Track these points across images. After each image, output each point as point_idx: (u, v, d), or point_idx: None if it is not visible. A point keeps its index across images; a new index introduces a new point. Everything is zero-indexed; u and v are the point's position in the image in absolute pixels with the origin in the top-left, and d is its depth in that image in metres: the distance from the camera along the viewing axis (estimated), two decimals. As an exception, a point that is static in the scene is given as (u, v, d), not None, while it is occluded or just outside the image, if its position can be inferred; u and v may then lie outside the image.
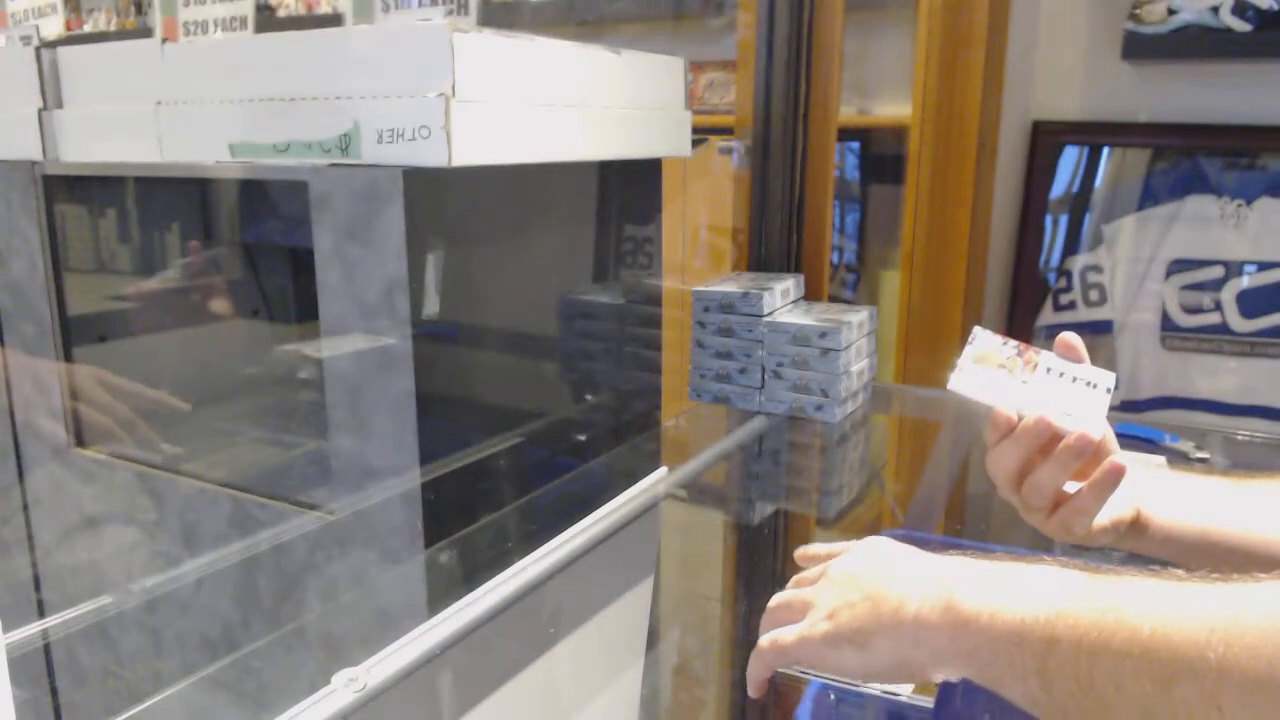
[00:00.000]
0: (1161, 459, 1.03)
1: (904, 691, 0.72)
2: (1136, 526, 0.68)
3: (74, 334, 1.19)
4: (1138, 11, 1.44)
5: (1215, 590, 0.43)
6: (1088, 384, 0.67)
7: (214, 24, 1.43)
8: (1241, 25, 1.36)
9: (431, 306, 0.89)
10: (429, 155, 0.83)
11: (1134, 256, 1.55)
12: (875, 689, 0.73)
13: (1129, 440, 0.81)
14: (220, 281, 1.30)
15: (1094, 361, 0.69)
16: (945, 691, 0.72)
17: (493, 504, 1.01)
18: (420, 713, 0.74)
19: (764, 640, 0.60)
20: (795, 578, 0.64)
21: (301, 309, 1.31)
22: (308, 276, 0.94)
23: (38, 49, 1.08)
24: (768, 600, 0.62)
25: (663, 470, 1.08)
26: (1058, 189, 1.61)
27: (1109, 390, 0.67)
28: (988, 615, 0.49)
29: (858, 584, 0.56)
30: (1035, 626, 0.47)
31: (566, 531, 0.90)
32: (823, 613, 0.57)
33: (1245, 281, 1.47)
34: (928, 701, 0.72)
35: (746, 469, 1.28)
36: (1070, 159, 1.59)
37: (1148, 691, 0.42)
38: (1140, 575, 0.46)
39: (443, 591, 0.83)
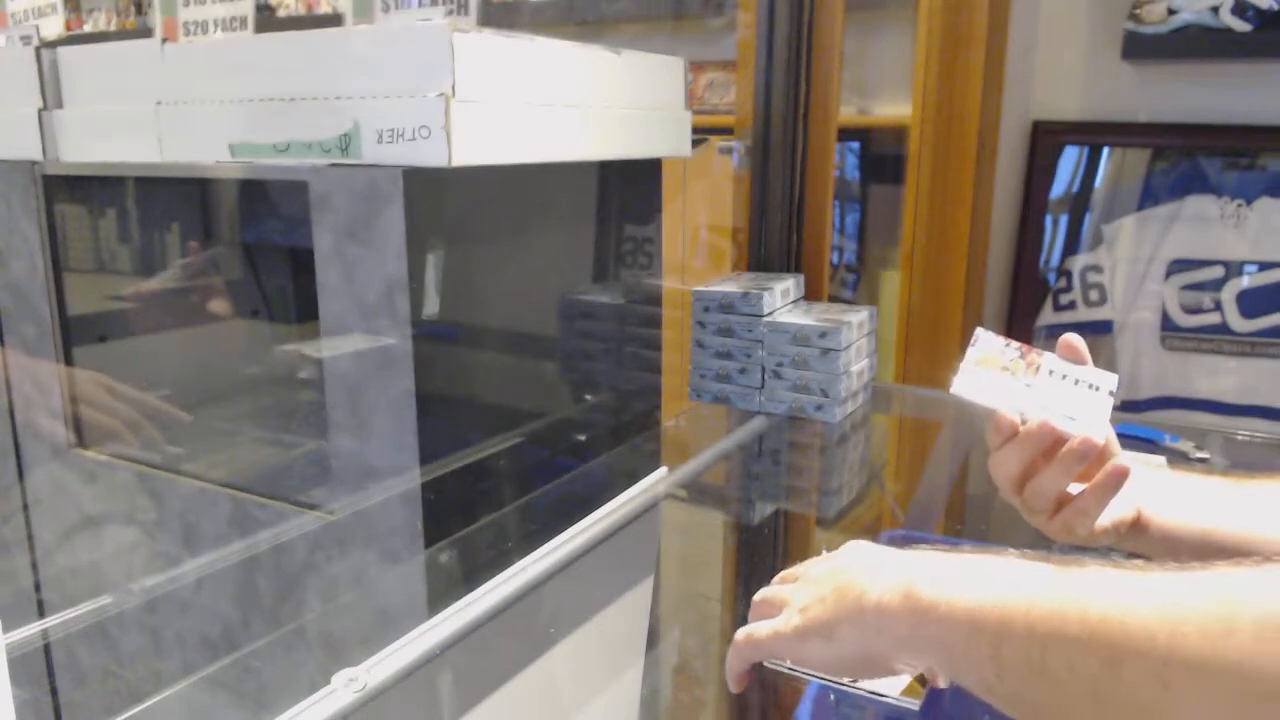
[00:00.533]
0: (1161, 459, 1.03)
1: (903, 697, 0.72)
2: (1137, 527, 0.68)
3: (74, 334, 1.19)
4: (1138, 11, 1.44)
5: (1170, 577, 0.44)
6: (1090, 386, 0.67)
7: (214, 24, 1.43)
8: (1241, 25, 1.36)
9: (431, 306, 0.89)
10: (429, 155, 0.83)
11: (1134, 256, 1.55)
12: (874, 690, 0.73)
13: (1129, 440, 0.81)
14: (220, 281, 1.30)
15: (1094, 362, 0.68)
16: (933, 695, 0.72)
17: (493, 504, 1.01)
18: (420, 713, 0.74)
19: (740, 635, 0.61)
20: (779, 575, 0.65)
21: (301, 309, 1.31)
22: (308, 276, 0.94)
23: (38, 49, 1.08)
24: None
25: (663, 470, 1.08)
26: (1058, 189, 1.61)
27: (1111, 393, 0.67)
28: (945, 603, 0.50)
29: (829, 580, 0.58)
30: (991, 613, 0.47)
31: (566, 531, 0.89)
32: (795, 608, 0.59)
33: (1245, 281, 1.47)
34: (928, 701, 0.72)
35: (746, 469, 1.28)
36: (1070, 159, 1.59)
37: (1095, 673, 0.42)
38: (1101, 565, 0.47)
39: (443, 591, 0.83)
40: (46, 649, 1.16)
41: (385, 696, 0.66)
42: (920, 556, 0.55)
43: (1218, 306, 1.49)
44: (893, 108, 1.75)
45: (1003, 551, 0.52)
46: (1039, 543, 0.72)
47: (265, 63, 0.91)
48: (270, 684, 0.95)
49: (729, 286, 1.33)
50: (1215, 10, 1.37)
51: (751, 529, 1.22)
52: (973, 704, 0.63)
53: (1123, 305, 1.55)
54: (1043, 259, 1.62)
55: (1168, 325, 1.52)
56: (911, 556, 0.55)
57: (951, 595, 0.50)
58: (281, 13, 2.56)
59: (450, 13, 1.23)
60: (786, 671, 0.76)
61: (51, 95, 1.09)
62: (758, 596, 0.64)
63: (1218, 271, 1.49)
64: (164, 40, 0.99)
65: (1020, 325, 1.62)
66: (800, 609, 0.58)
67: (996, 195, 1.63)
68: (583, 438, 1.18)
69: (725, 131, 1.53)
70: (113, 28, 3.00)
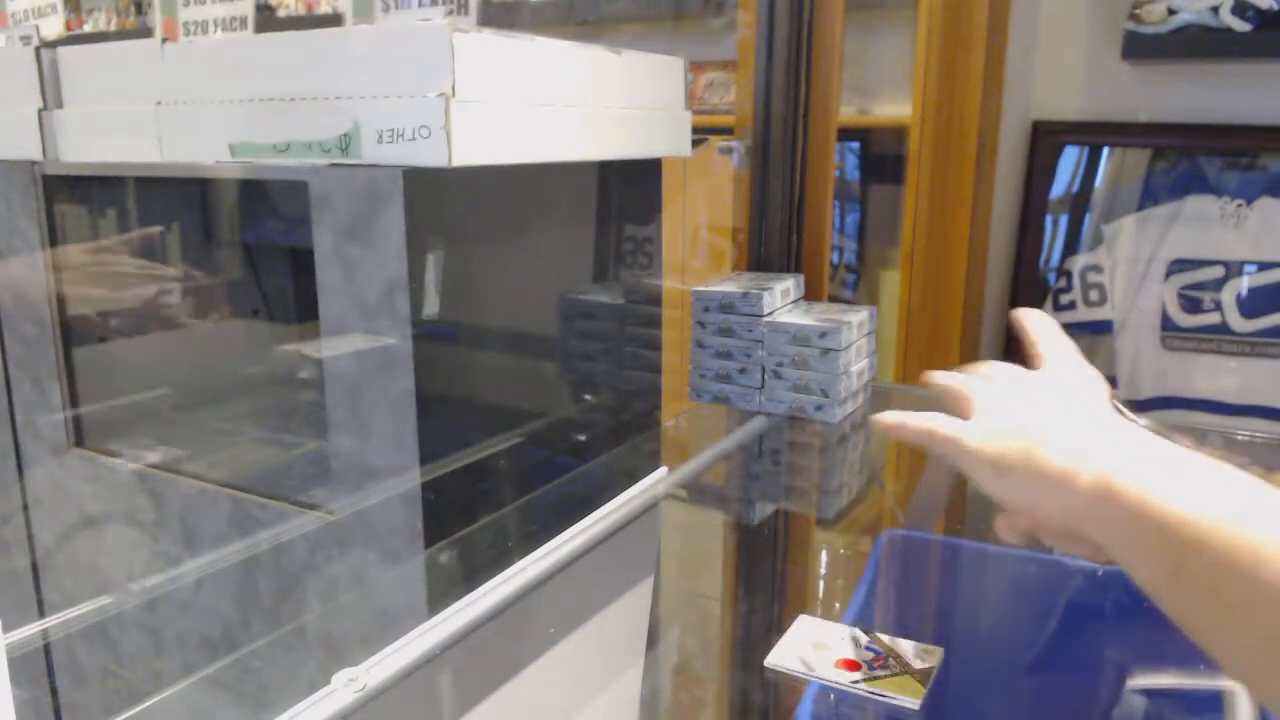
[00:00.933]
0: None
1: (903, 697, 0.72)
2: None
3: (74, 334, 1.19)
4: (1138, 11, 1.44)
5: None
6: None
7: (214, 24, 1.43)
8: (1241, 25, 1.36)
9: (431, 306, 0.89)
10: (429, 155, 0.83)
11: (1134, 256, 1.55)
12: (875, 690, 0.73)
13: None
14: (220, 281, 1.30)
15: (1093, 362, 0.68)
16: (934, 694, 0.72)
17: (493, 504, 1.01)
18: (420, 713, 0.74)
19: (925, 419, 0.64)
20: (983, 370, 0.65)
21: (301, 309, 1.31)
22: (308, 276, 0.94)
23: (38, 49, 1.08)
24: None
25: (663, 470, 1.08)
26: (1058, 189, 1.61)
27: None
28: (1135, 495, 0.48)
29: (1024, 412, 0.57)
30: (1184, 525, 0.45)
31: (566, 531, 0.89)
32: (980, 424, 0.59)
33: (1245, 281, 1.47)
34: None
35: (746, 469, 1.28)
36: (1070, 159, 1.59)
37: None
38: None
39: (443, 591, 0.83)
40: (46, 649, 1.16)
41: (385, 696, 0.66)
42: (1124, 433, 0.53)
43: (1218, 306, 1.49)
44: (893, 108, 1.75)
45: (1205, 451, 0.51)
46: (1036, 541, 0.72)
47: (265, 63, 0.91)
48: (270, 684, 0.95)
49: (729, 286, 1.33)
50: (1215, 10, 1.37)
51: (751, 529, 1.21)
52: (975, 705, 0.63)
53: (1123, 305, 1.55)
54: (1043, 259, 1.62)
55: (1168, 325, 1.52)
56: (1113, 427, 0.54)
57: (1151, 493, 0.47)
58: (281, 13, 2.56)
59: (450, 13, 1.23)
60: (786, 672, 0.76)
61: (51, 95, 1.09)
62: (950, 383, 0.66)
63: (1218, 271, 1.49)
64: (164, 40, 0.99)
65: (1020, 325, 1.62)
66: (983, 429, 0.58)
67: (996, 195, 1.63)
68: (583, 438, 1.18)
69: (725, 131, 1.53)
70: (113, 28, 3.00)
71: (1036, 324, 0.67)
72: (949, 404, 0.65)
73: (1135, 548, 0.48)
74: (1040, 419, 0.56)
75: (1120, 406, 0.62)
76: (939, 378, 0.68)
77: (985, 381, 0.64)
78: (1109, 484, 0.49)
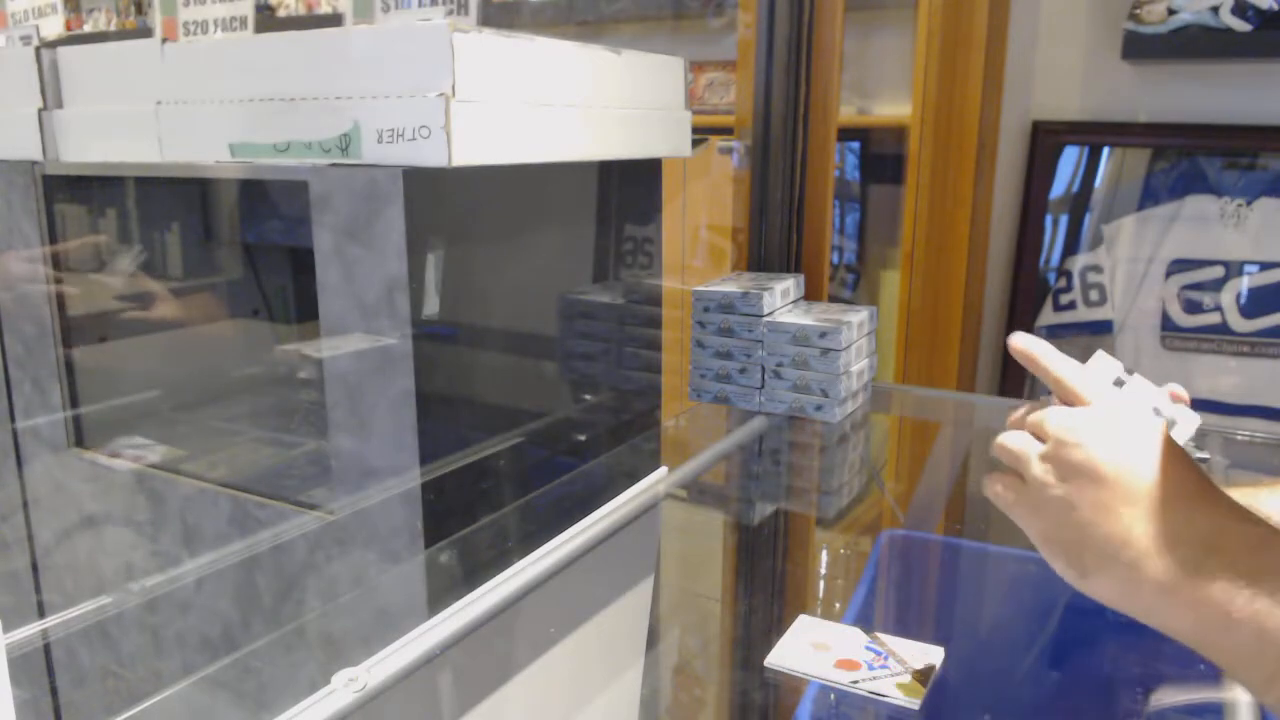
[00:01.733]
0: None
1: (903, 696, 0.72)
2: None
3: (74, 334, 1.19)
4: (1138, 11, 1.44)
5: None
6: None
7: (214, 24, 1.43)
8: (1241, 25, 1.36)
9: (431, 306, 0.89)
10: (429, 155, 0.83)
11: (1134, 256, 1.55)
12: (875, 690, 0.73)
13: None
14: (221, 281, 1.30)
15: None
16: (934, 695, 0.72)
17: (493, 504, 1.01)
18: (420, 713, 0.74)
19: (991, 483, 0.58)
20: (1023, 418, 0.59)
21: (301, 309, 1.31)
22: (308, 276, 0.94)
23: (38, 49, 1.08)
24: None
25: (663, 470, 1.08)
26: (1058, 189, 1.61)
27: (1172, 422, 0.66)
28: (1252, 623, 0.45)
29: (1091, 495, 0.52)
30: None
31: (566, 531, 0.90)
32: (1039, 494, 0.54)
33: (1245, 281, 1.47)
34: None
35: (746, 469, 1.28)
36: (1070, 159, 1.59)
37: None
38: None
39: (443, 591, 0.83)
40: (46, 649, 1.16)
41: (385, 696, 0.66)
42: (1199, 517, 0.49)
43: (1218, 306, 1.49)
44: (893, 108, 1.75)
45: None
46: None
47: (265, 63, 0.91)
48: (270, 684, 0.95)
49: (729, 286, 1.33)
50: (1215, 10, 1.37)
51: (751, 529, 1.21)
52: (975, 705, 0.63)
53: (1123, 305, 1.55)
54: (1043, 259, 1.62)
55: (1168, 325, 1.52)
56: (1184, 510, 0.50)
57: (1239, 595, 0.45)
58: (281, 13, 2.56)
59: (450, 13, 1.23)
60: (786, 672, 0.76)
61: (51, 95, 1.09)
62: (1000, 439, 0.58)
63: (1218, 271, 1.49)
64: (164, 40, 0.99)
65: (1020, 325, 1.62)
66: (1043, 502, 0.53)
67: (996, 195, 1.63)
68: (583, 438, 1.18)
69: (725, 131, 1.53)
70: (113, 28, 3.00)
71: (1053, 360, 0.61)
72: (1000, 456, 0.59)
73: (1242, 660, 0.46)
74: (1115, 511, 0.51)
75: (1168, 414, 0.60)
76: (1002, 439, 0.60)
77: (1037, 440, 0.57)
78: (1198, 592, 0.47)
